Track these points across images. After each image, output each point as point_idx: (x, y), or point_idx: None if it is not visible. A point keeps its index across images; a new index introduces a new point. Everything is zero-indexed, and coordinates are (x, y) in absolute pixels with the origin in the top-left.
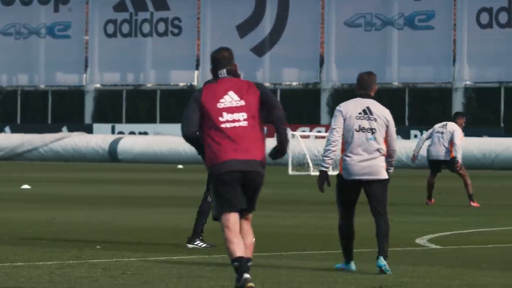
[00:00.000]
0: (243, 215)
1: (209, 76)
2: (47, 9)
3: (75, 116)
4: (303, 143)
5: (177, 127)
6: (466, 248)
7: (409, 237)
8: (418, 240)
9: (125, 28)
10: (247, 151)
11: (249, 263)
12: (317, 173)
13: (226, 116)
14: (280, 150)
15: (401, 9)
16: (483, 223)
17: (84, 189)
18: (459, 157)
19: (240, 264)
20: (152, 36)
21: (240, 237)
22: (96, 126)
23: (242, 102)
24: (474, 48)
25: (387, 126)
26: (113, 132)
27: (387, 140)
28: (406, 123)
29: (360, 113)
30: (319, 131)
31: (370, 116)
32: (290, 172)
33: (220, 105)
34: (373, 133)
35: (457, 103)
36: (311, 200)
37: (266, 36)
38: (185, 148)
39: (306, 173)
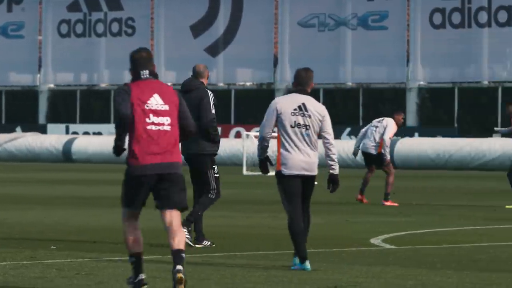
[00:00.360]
0: (170, 211)
1: (163, 76)
2: (0, 9)
3: (29, 116)
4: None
5: None
6: (420, 248)
7: (364, 237)
8: (372, 240)
9: (79, 28)
10: (167, 154)
11: (183, 254)
12: (273, 173)
13: (152, 118)
14: None
15: (354, 10)
16: (437, 223)
17: (38, 189)
18: (387, 153)
19: (137, 260)
20: (106, 36)
21: (139, 231)
22: (50, 126)
23: (166, 107)
24: (427, 48)
25: (321, 122)
26: (67, 132)
27: (322, 136)
28: (360, 123)
29: (295, 109)
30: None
31: (305, 112)
32: (245, 172)
33: (148, 106)
34: (307, 129)
35: (411, 103)
36: (265, 200)
37: (220, 36)
38: None
39: (260, 173)
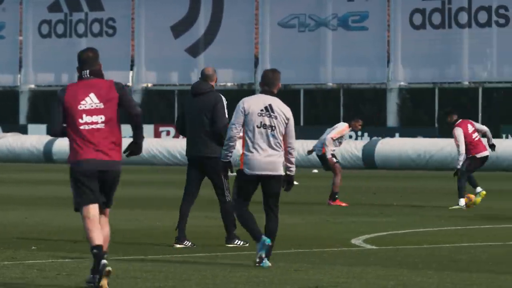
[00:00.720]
0: (100, 210)
1: (144, 76)
2: None
3: (9, 117)
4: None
5: None
6: (401, 249)
7: (345, 237)
8: (353, 241)
9: (60, 28)
10: (103, 152)
11: (105, 255)
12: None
13: (85, 118)
14: (134, 149)
15: (334, 10)
16: (418, 223)
17: (19, 190)
18: (329, 153)
19: (99, 252)
20: (87, 37)
21: (99, 227)
22: (31, 126)
23: (101, 105)
24: (408, 48)
25: (286, 124)
26: (48, 132)
27: (285, 138)
28: None
29: (262, 110)
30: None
31: (271, 113)
32: None
33: (81, 107)
34: (273, 130)
35: (392, 104)
36: None
37: (200, 37)
38: None
39: None
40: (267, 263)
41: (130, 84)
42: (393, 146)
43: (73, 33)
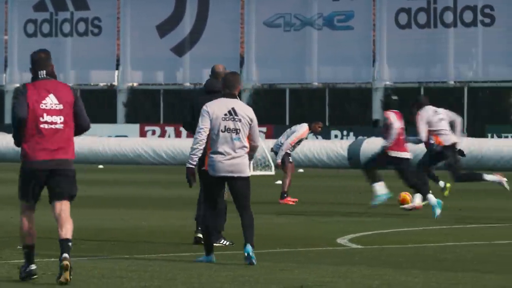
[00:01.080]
0: (60, 202)
1: (129, 76)
2: None
3: None
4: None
5: (96, 127)
6: (387, 248)
7: (330, 237)
8: (339, 240)
9: (45, 27)
10: (58, 151)
11: (70, 243)
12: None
13: (46, 118)
14: None
15: (320, 10)
16: (403, 223)
17: (4, 189)
18: (280, 157)
19: (29, 251)
20: (72, 36)
21: (33, 225)
22: None
23: (61, 106)
24: (393, 48)
25: (250, 125)
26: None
27: (250, 137)
28: (327, 123)
29: (226, 114)
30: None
31: (235, 117)
32: None
33: (42, 106)
34: (237, 133)
35: (377, 103)
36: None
37: (186, 36)
38: (105, 148)
39: None
40: (253, 257)
41: (115, 83)
42: (378, 146)
43: (58, 33)
